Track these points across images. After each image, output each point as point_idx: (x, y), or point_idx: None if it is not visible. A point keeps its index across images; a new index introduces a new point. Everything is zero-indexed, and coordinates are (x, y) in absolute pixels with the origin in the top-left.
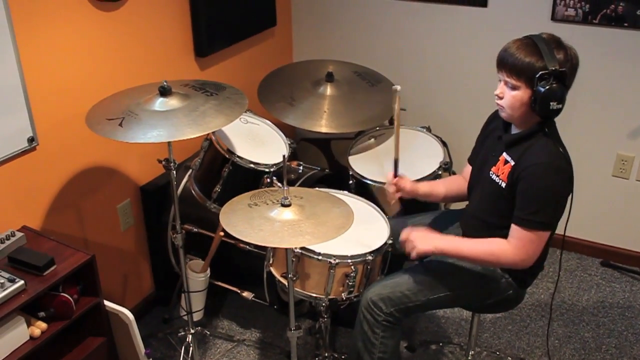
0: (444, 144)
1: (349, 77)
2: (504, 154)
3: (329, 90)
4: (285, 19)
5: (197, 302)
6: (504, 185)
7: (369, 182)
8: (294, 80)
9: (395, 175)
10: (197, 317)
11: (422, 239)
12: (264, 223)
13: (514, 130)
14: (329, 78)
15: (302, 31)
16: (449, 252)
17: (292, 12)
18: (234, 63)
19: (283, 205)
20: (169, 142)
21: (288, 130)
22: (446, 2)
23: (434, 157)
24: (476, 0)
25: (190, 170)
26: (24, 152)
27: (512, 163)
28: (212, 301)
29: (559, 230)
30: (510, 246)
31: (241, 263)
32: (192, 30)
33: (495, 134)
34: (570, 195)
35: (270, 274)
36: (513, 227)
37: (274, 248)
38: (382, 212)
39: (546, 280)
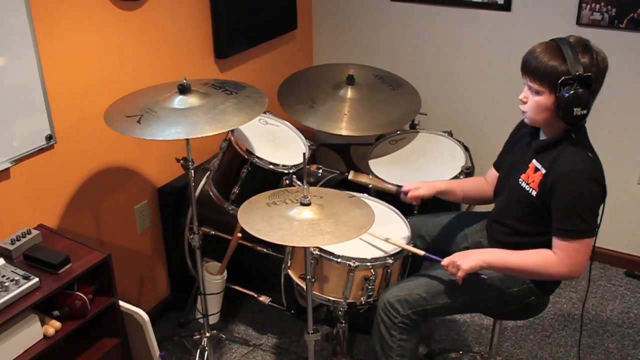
0: (466, 148)
1: (370, 80)
2: (534, 160)
3: (349, 93)
4: (305, 22)
5: (214, 305)
6: (534, 193)
7: (389, 185)
8: (315, 83)
9: (406, 193)
10: (213, 320)
11: (466, 258)
12: (283, 222)
13: (543, 137)
14: (350, 81)
15: (323, 34)
16: (495, 265)
17: (312, 16)
18: (253, 65)
19: (302, 205)
20: (187, 140)
21: (308, 134)
22: (469, 6)
23: (455, 161)
24: (500, 5)
25: (209, 172)
26: (41, 150)
27: (544, 171)
28: (228, 305)
29: None
30: (557, 258)
31: (258, 267)
32: (212, 31)
33: (524, 140)
34: (602, 204)
35: (287, 277)
36: (556, 240)
37: (292, 250)
38: (402, 215)
39: (569, 290)
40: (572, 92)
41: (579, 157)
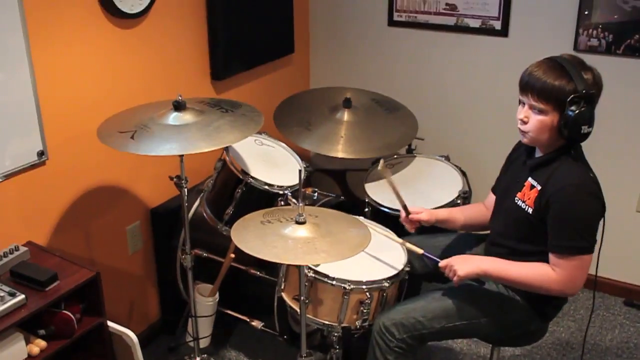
0: (463, 173)
1: (367, 103)
2: (529, 178)
3: (346, 116)
4: (303, 46)
5: (205, 328)
6: (530, 210)
7: (385, 209)
8: (311, 105)
9: (408, 213)
10: (203, 343)
11: (463, 263)
12: (277, 240)
13: (538, 154)
14: (347, 104)
15: (320, 59)
16: (493, 275)
17: (310, 40)
18: (250, 88)
19: (297, 223)
20: (181, 157)
21: (303, 159)
22: (467, 31)
23: (452, 186)
24: (497, 31)
25: (203, 193)
26: (33, 166)
27: (539, 187)
28: (220, 330)
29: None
30: (556, 275)
31: (251, 290)
32: (209, 52)
33: (519, 160)
34: (602, 228)
35: (281, 300)
36: (553, 256)
37: (286, 272)
38: (399, 238)
39: (567, 319)
40: (578, 110)
41: (576, 172)
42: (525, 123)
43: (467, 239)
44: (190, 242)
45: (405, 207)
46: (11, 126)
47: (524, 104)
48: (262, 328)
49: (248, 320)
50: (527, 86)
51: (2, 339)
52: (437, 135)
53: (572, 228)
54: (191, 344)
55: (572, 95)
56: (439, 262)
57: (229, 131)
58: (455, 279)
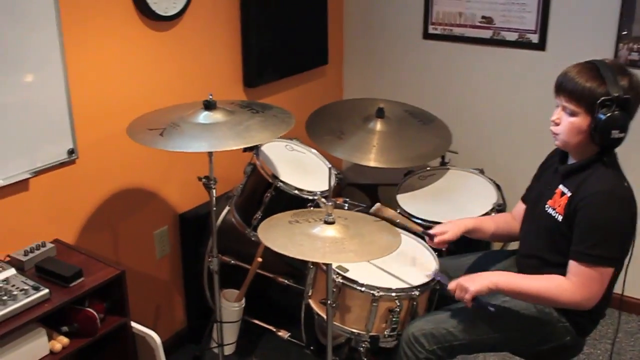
0: (498, 186)
1: (400, 114)
2: (560, 185)
3: (379, 125)
4: (336, 58)
5: (230, 334)
6: (560, 218)
7: (417, 221)
8: (344, 115)
9: (432, 238)
10: (228, 350)
11: (474, 279)
12: (305, 239)
13: (571, 161)
14: (380, 114)
15: (354, 71)
16: (505, 288)
17: (344, 52)
18: (282, 97)
19: (326, 223)
20: (210, 156)
21: (335, 168)
22: (503, 45)
23: (486, 198)
24: (534, 44)
25: (232, 197)
26: (62, 164)
27: (569, 194)
28: (245, 339)
29: (617, 289)
30: (570, 284)
31: (278, 299)
32: (242, 59)
33: (552, 168)
34: (632, 243)
35: (308, 309)
36: (571, 263)
37: (314, 278)
38: (430, 248)
39: (604, 342)
40: (610, 114)
41: (609, 179)
42: (557, 125)
43: (496, 255)
44: (217, 248)
45: (425, 234)
46: (43, 124)
47: (559, 106)
48: (289, 338)
49: (274, 330)
50: (560, 87)
51: (25, 332)
52: (471, 149)
53: (596, 235)
54: (216, 350)
55: (603, 98)
56: (446, 285)
57: (259, 130)
58: (467, 296)
